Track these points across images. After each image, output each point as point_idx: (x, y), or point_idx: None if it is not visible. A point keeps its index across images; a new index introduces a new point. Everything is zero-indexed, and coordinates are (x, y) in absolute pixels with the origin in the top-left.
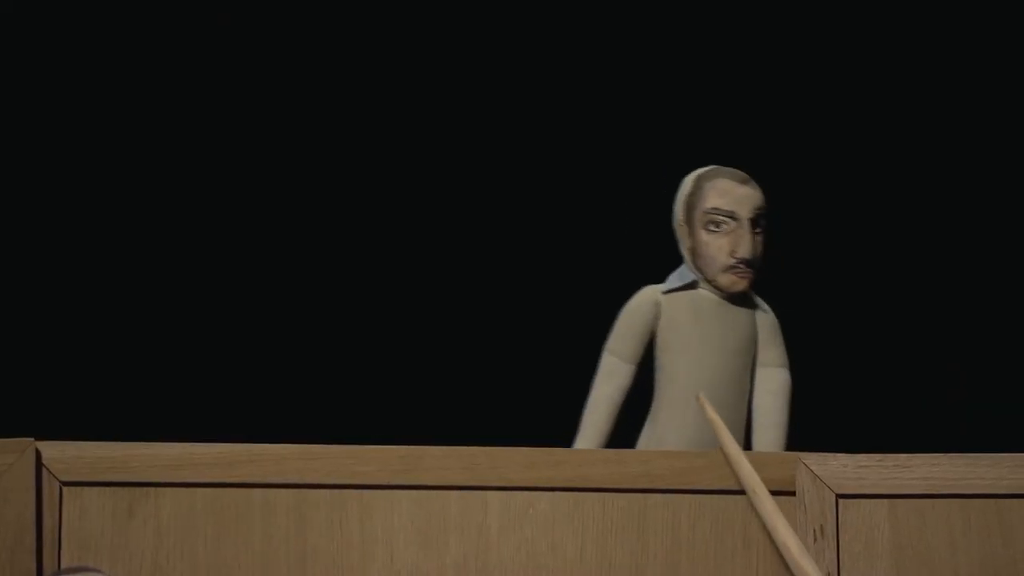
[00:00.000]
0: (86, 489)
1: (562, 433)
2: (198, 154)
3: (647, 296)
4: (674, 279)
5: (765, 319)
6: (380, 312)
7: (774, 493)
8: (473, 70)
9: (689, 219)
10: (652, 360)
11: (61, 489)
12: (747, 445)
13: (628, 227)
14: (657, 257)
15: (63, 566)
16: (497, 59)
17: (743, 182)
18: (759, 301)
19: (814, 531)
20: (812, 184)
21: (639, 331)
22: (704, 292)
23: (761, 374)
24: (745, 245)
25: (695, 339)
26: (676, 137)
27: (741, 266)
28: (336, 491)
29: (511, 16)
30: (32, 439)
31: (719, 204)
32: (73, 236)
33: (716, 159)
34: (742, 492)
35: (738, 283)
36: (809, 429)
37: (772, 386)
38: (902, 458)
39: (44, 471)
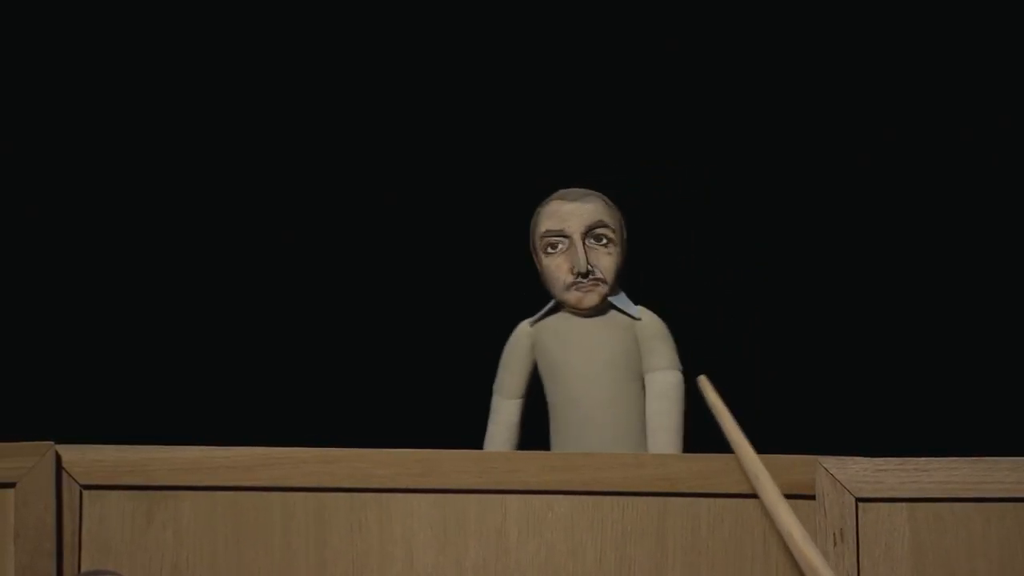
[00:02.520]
0: (105, 492)
1: None
2: (212, 161)
3: (519, 330)
4: (543, 310)
5: (643, 326)
6: (398, 317)
7: (793, 496)
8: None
9: (534, 248)
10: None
11: (81, 492)
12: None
13: None
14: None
15: (83, 570)
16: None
17: (572, 200)
18: (636, 310)
19: (834, 535)
20: (833, 187)
21: (513, 366)
22: (566, 314)
23: (647, 380)
24: (579, 260)
25: (561, 363)
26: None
27: (581, 280)
28: (354, 495)
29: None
30: (52, 442)
31: (549, 226)
32: (92, 240)
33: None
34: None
35: (584, 298)
36: (828, 432)
37: (657, 389)
38: (922, 461)
39: (64, 474)
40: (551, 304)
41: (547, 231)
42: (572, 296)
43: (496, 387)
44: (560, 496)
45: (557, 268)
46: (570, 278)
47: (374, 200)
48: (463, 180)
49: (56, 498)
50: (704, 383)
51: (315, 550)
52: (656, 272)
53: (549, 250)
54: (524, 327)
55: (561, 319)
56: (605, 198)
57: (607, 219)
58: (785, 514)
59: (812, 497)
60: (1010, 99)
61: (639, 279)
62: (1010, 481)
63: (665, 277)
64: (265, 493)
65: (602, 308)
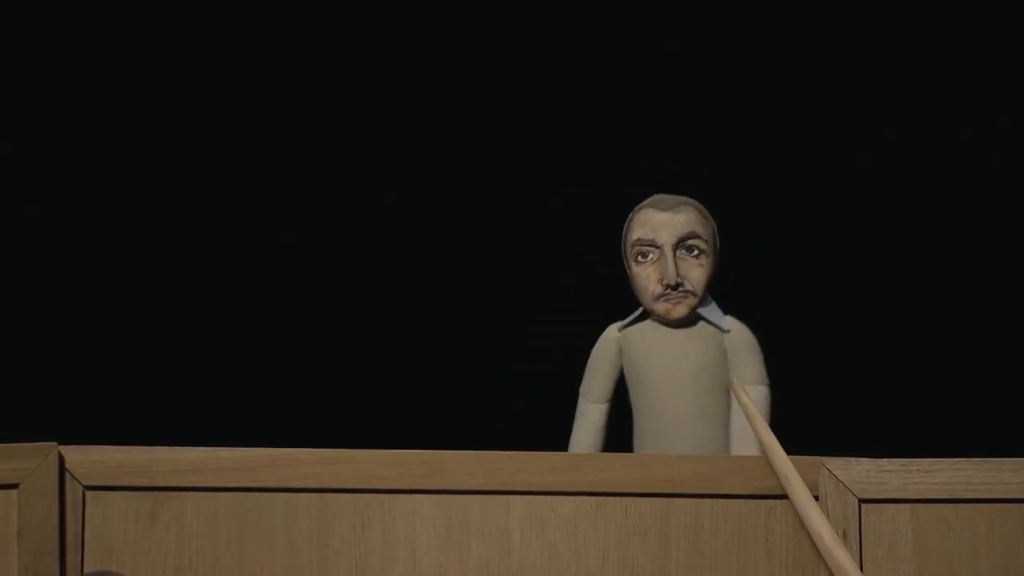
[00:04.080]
0: (108, 493)
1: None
2: (217, 161)
3: (607, 334)
4: (632, 315)
5: (733, 339)
6: (402, 317)
7: None
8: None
9: (625, 254)
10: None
11: (84, 493)
12: None
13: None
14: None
15: (86, 570)
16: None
17: (665, 209)
18: (725, 321)
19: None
20: (835, 187)
21: (600, 370)
22: (653, 323)
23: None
24: (668, 271)
25: (646, 371)
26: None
27: (670, 292)
28: (358, 495)
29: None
30: (55, 443)
31: (641, 235)
32: (95, 241)
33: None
34: (765, 496)
35: (673, 310)
36: (831, 433)
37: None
38: (925, 463)
39: (67, 475)
40: (640, 311)
41: (638, 239)
42: (660, 307)
43: (583, 390)
44: (563, 497)
45: (647, 279)
46: (659, 289)
47: (374, 199)
48: (478, 178)
49: (59, 499)
50: (736, 385)
51: (318, 551)
52: None
53: (640, 259)
54: (612, 331)
55: (649, 326)
56: (699, 206)
57: (699, 230)
58: (816, 516)
59: (815, 498)
60: (1010, 99)
61: None
62: (1014, 482)
63: None
64: (268, 494)
65: (691, 319)
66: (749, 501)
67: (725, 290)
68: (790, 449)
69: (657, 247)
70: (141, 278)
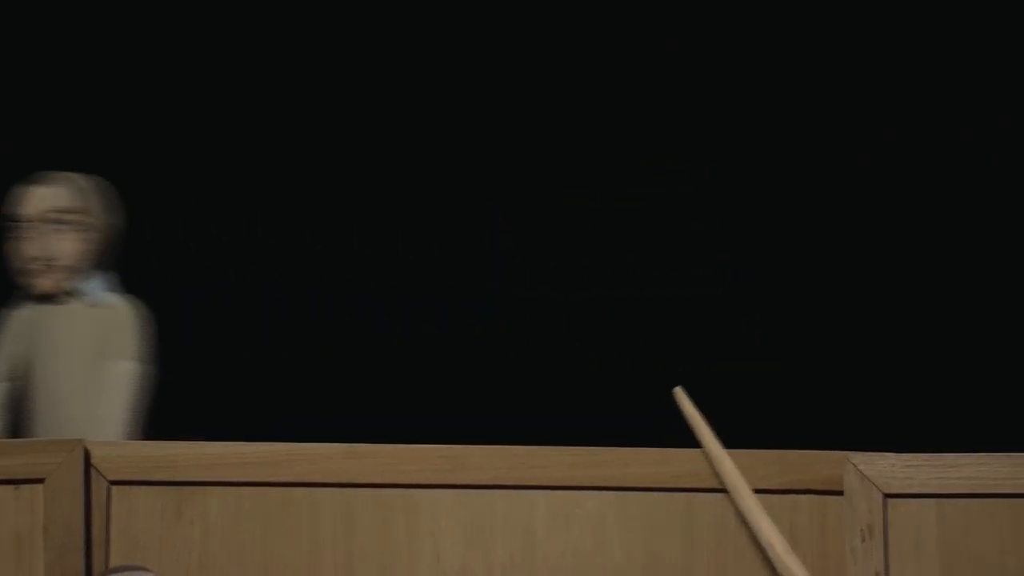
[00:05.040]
0: (134, 488)
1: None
2: (232, 153)
3: (6, 315)
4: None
5: (112, 315)
6: (422, 314)
7: (821, 492)
8: None
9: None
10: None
11: (109, 488)
12: None
13: None
14: None
15: (112, 565)
16: None
17: (38, 184)
18: (108, 298)
19: (861, 531)
20: (854, 184)
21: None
22: (34, 302)
23: (104, 370)
24: (36, 245)
25: (27, 351)
26: None
27: (36, 266)
28: (382, 490)
29: None
30: (80, 439)
31: (10, 211)
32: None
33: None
34: (788, 492)
35: (39, 283)
36: (856, 428)
37: (107, 380)
38: (950, 458)
39: (92, 470)
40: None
41: (9, 216)
42: (29, 281)
43: None
44: (587, 492)
45: (16, 253)
46: (25, 263)
47: (376, 194)
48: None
49: (84, 494)
50: (679, 395)
51: (342, 545)
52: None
53: (12, 235)
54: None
55: (31, 307)
56: (81, 179)
57: (75, 203)
58: (766, 525)
59: (840, 493)
60: (1010, 99)
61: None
62: None
63: (692, 272)
64: (292, 489)
65: (74, 295)
66: (773, 496)
67: (750, 285)
68: (816, 444)
69: (26, 221)
70: (161, 274)
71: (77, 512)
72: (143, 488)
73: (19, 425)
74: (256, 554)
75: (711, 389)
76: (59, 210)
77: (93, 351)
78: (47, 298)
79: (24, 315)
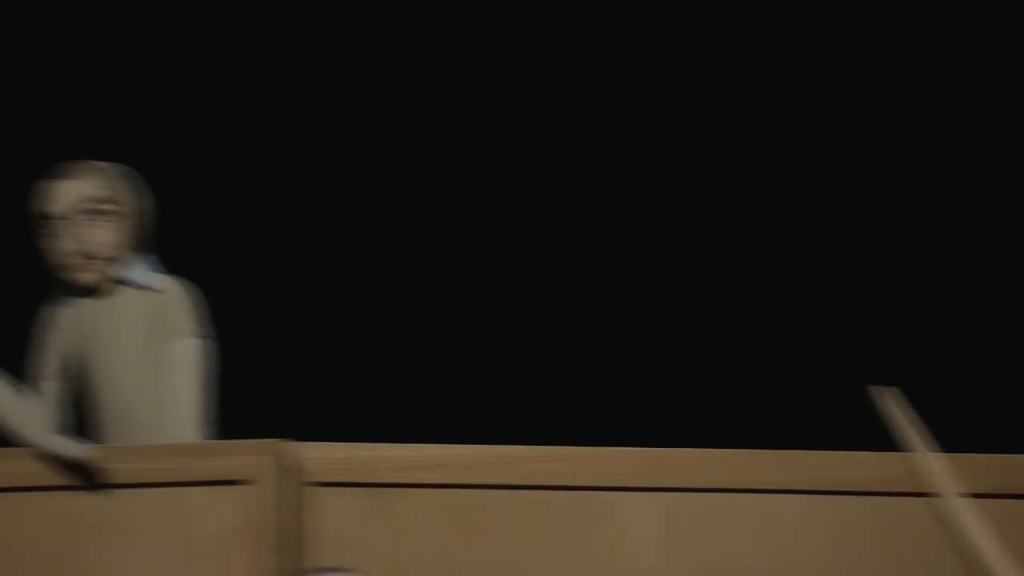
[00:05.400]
0: (334, 490)
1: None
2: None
3: (45, 313)
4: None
5: (163, 298)
6: (626, 318)
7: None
8: None
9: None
10: None
11: (310, 489)
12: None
13: None
14: None
15: (314, 566)
16: None
17: (67, 177)
18: (151, 282)
19: None
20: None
21: (46, 349)
22: (77, 296)
23: (164, 352)
24: (74, 238)
25: (79, 347)
26: None
27: (78, 260)
28: (581, 493)
29: None
30: (280, 440)
31: (41, 209)
32: (334, 243)
33: None
34: (1009, 496)
35: (82, 276)
36: None
37: (171, 360)
38: None
39: (294, 472)
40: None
41: (40, 213)
42: (72, 275)
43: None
44: (793, 495)
45: (54, 249)
46: (66, 258)
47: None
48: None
49: (287, 495)
50: (887, 396)
51: (542, 548)
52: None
53: (47, 232)
54: (49, 310)
55: (75, 301)
56: (109, 168)
57: (106, 194)
58: (979, 529)
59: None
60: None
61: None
62: None
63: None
64: (492, 491)
65: (117, 284)
66: (990, 500)
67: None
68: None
69: (61, 217)
70: (366, 278)
71: (279, 513)
72: (344, 489)
73: (80, 422)
74: (456, 556)
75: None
76: (91, 200)
77: (150, 334)
78: (91, 291)
79: (69, 311)
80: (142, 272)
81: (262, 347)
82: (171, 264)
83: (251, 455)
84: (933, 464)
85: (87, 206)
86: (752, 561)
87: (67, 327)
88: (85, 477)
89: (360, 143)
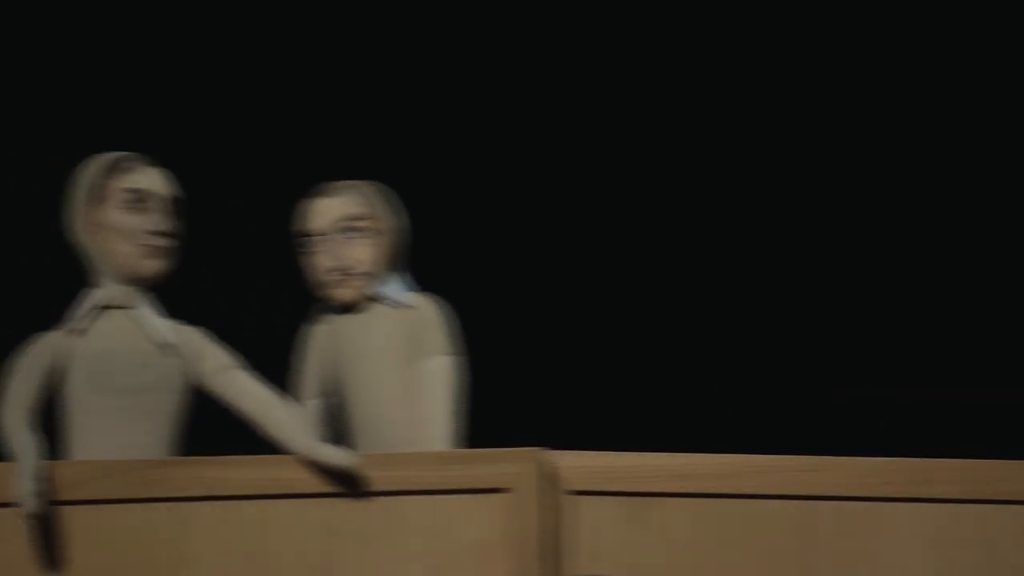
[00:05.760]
0: (593, 498)
1: None
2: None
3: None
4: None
5: (417, 315)
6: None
7: None
8: None
9: (304, 242)
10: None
11: (569, 498)
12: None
13: None
14: None
15: (573, 574)
16: None
17: (324, 195)
18: (406, 299)
19: None
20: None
21: (309, 368)
22: (338, 313)
23: (420, 369)
24: (334, 255)
25: (338, 361)
26: None
27: (339, 276)
28: (841, 503)
29: None
30: (540, 449)
31: (304, 227)
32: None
33: None
34: None
35: (343, 292)
36: None
37: (427, 378)
38: None
39: (552, 480)
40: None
41: (303, 231)
42: (333, 292)
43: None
44: None
45: (316, 266)
46: (327, 275)
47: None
48: None
49: (545, 503)
50: None
51: (800, 558)
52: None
53: (310, 249)
54: (313, 328)
55: (338, 318)
56: (367, 186)
57: (363, 211)
58: None
59: None
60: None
61: None
62: None
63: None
64: (750, 500)
65: (374, 300)
66: None
67: None
68: None
69: (321, 234)
70: (622, 288)
71: (538, 521)
72: (603, 498)
73: (339, 439)
74: (714, 565)
75: None
76: (349, 218)
77: (405, 352)
78: (348, 308)
79: (325, 329)
80: (397, 289)
81: (510, 360)
82: (422, 281)
83: (512, 463)
84: None
85: (345, 224)
86: (1019, 571)
87: (324, 345)
88: (348, 484)
89: (611, 153)
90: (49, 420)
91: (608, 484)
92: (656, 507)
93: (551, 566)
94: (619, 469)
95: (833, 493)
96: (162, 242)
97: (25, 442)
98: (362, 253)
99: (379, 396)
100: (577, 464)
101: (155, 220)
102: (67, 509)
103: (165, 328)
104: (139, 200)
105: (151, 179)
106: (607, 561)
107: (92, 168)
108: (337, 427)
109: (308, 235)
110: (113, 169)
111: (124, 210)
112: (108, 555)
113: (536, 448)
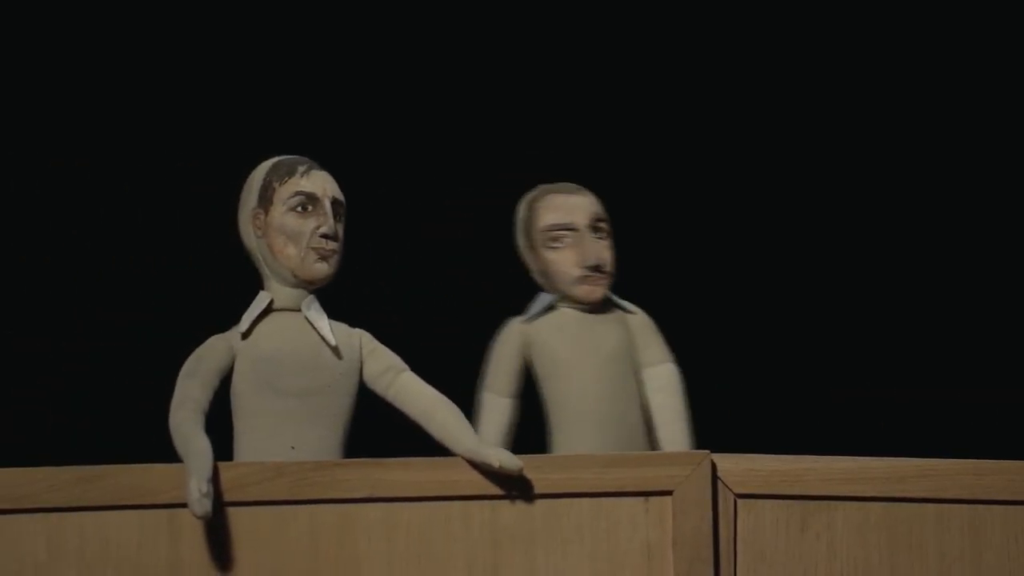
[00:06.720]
0: (760, 502)
1: None
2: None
3: (510, 329)
4: (534, 306)
5: (635, 320)
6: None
7: None
8: None
9: (531, 243)
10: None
11: (736, 501)
12: (653, 446)
13: None
14: None
15: None
16: None
17: (572, 193)
18: (625, 304)
19: None
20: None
21: (507, 365)
22: (566, 310)
23: (646, 375)
24: (589, 252)
25: (566, 360)
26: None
27: (592, 274)
28: (1010, 507)
29: None
30: (708, 452)
31: (553, 220)
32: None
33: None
34: None
35: (593, 291)
36: None
37: (658, 383)
38: None
39: (719, 483)
40: (548, 302)
41: (551, 224)
42: (581, 290)
43: (489, 385)
44: None
45: (565, 262)
46: (580, 271)
47: None
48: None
49: (712, 506)
50: None
51: (969, 564)
52: None
53: (553, 244)
54: (514, 326)
55: (558, 316)
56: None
57: (603, 212)
58: None
59: None
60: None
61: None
62: None
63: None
64: (919, 504)
65: (602, 303)
66: None
67: None
68: None
69: (574, 229)
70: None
71: (704, 524)
72: (769, 502)
73: (527, 438)
74: (882, 570)
75: None
76: (599, 218)
77: (629, 357)
78: (580, 308)
79: (546, 329)
80: (614, 295)
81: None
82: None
83: (681, 466)
84: None
85: (597, 223)
86: None
87: (527, 341)
88: (513, 487)
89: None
90: (216, 421)
91: (775, 488)
92: (823, 511)
93: (718, 570)
94: (786, 473)
95: (1000, 497)
96: (330, 245)
97: (199, 445)
98: (608, 254)
99: (612, 395)
100: (744, 467)
101: (323, 223)
102: (234, 510)
103: (333, 330)
104: (307, 203)
105: (319, 182)
106: (772, 565)
107: (261, 171)
108: (536, 425)
109: (563, 229)
110: (282, 172)
111: (293, 213)
112: (274, 557)
113: (703, 451)
